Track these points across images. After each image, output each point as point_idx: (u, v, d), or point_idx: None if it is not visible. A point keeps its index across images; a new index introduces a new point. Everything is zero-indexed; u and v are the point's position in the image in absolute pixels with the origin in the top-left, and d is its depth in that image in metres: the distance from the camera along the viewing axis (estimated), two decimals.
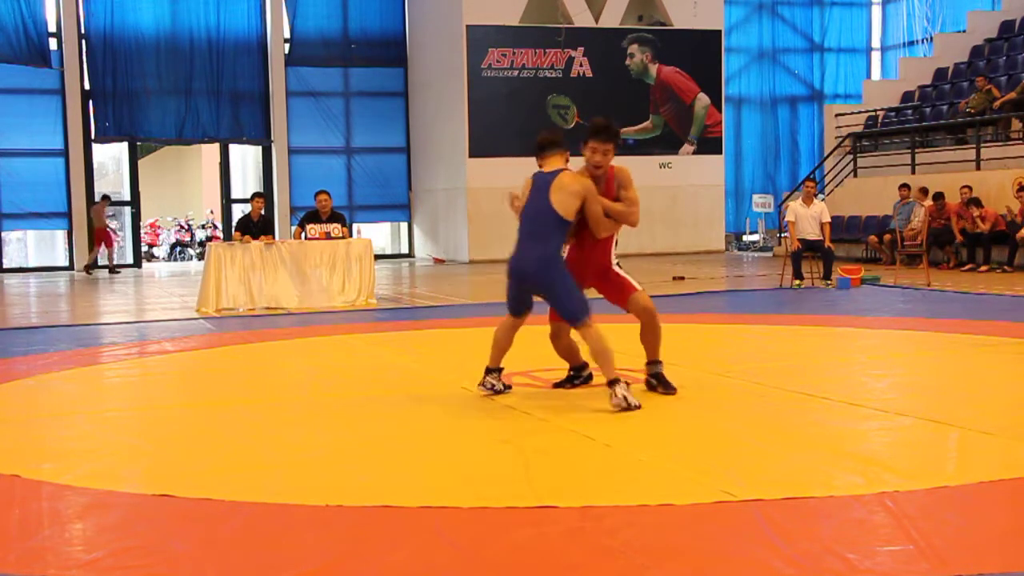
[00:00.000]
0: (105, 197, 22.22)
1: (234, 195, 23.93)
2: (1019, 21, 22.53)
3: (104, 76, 22.35)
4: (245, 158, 25.73)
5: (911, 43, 27.50)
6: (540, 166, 6.62)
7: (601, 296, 6.71)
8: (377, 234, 24.54)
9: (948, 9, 26.36)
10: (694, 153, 23.17)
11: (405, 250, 25.16)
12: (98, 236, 21.72)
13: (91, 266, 21.62)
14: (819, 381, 7.01)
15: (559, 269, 6.32)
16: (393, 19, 24.34)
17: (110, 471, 5.07)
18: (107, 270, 21.70)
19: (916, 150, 19.97)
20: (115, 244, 22.54)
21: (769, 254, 22.31)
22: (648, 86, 22.90)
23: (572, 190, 6.32)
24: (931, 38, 25.42)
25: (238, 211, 22.93)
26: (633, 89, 22.68)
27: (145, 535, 4.09)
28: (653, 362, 6.64)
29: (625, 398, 6.01)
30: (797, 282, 14.14)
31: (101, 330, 11.26)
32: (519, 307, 6.56)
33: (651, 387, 6.61)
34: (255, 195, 14.21)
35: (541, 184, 6.44)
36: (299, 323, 11.45)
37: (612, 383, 6.06)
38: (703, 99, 23.22)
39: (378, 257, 16.97)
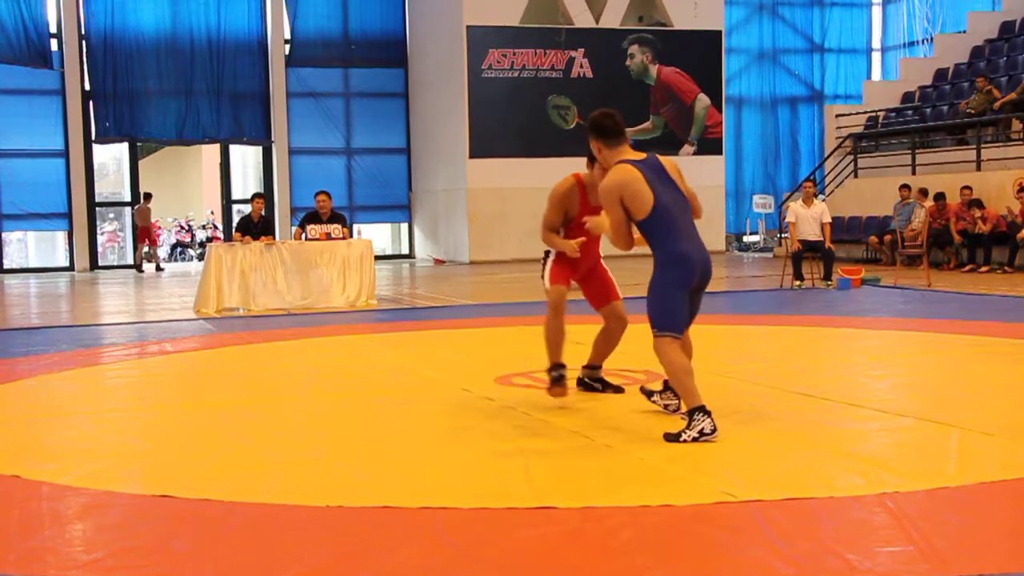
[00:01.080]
0: (147, 195, 22.46)
1: (234, 196, 23.97)
2: (1019, 21, 22.53)
3: (104, 77, 22.35)
4: (245, 159, 25.76)
5: (911, 44, 27.50)
6: (608, 158, 5.64)
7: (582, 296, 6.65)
8: (377, 235, 24.55)
9: (948, 10, 26.35)
10: (694, 154, 23.16)
11: (405, 251, 25.16)
12: (143, 234, 22.21)
13: (140, 265, 22.24)
14: (819, 382, 7.01)
15: None
16: (393, 20, 24.36)
17: (110, 471, 5.07)
18: (155, 268, 22.33)
19: (916, 151, 19.96)
20: (158, 242, 23.11)
21: (769, 255, 22.31)
22: (648, 87, 22.90)
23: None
24: (931, 39, 25.41)
25: (238, 212, 22.95)
26: (633, 90, 22.68)
27: (145, 535, 4.09)
28: (597, 366, 6.67)
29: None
30: (797, 283, 14.14)
31: (102, 331, 11.27)
32: (689, 318, 5.63)
33: (589, 388, 6.66)
34: (255, 196, 14.23)
35: (657, 172, 5.55)
36: (299, 324, 11.45)
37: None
38: (703, 100, 23.22)
39: (378, 258, 16.98)
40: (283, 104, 23.38)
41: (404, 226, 25.24)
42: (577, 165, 6.56)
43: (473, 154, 21.76)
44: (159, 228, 28.35)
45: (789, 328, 10.30)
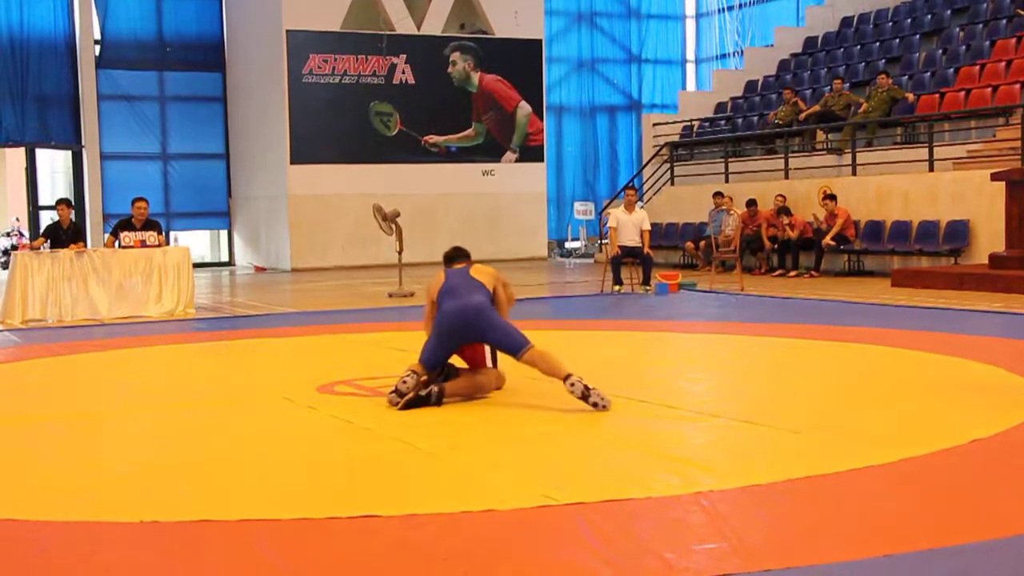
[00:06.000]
0: None
1: (43, 202, 22.95)
2: (821, 38, 23.60)
3: None
4: (54, 163, 24.72)
5: (723, 56, 28.48)
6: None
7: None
8: (196, 242, 23.90)
9: (757, 24, 27.42)
10: (516, 161, 23.41)
11: (225, 258, 24.60)
12: None
13: None
14: (638, 385, 7.15)
15: None
16: (210, 22, 23.78)
17: None
18: None
19: (729, 159, 20.65)
20: None
21: (590, 260, 22.72)
22: (470, 94, 23.02)
23: None
24: (742, 52, 26.36)
25: (47, 218, 22.01)
26: (455, 97, 22.78)
27: None
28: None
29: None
30: (617, 288, 14.43)
31: None
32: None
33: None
34: (60, 201, 13.67)
35: (460, 275, 6.86)
36: (113, 334, 11.05)
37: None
38: (525, 107, 23.49)
39: (197, 266, 16.56)
40: (94, 107, 22.51)
41: (224, 233, 24.67)
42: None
43: (294, 160, 21.44)
44: None
45: (609, 333, 10.50)
